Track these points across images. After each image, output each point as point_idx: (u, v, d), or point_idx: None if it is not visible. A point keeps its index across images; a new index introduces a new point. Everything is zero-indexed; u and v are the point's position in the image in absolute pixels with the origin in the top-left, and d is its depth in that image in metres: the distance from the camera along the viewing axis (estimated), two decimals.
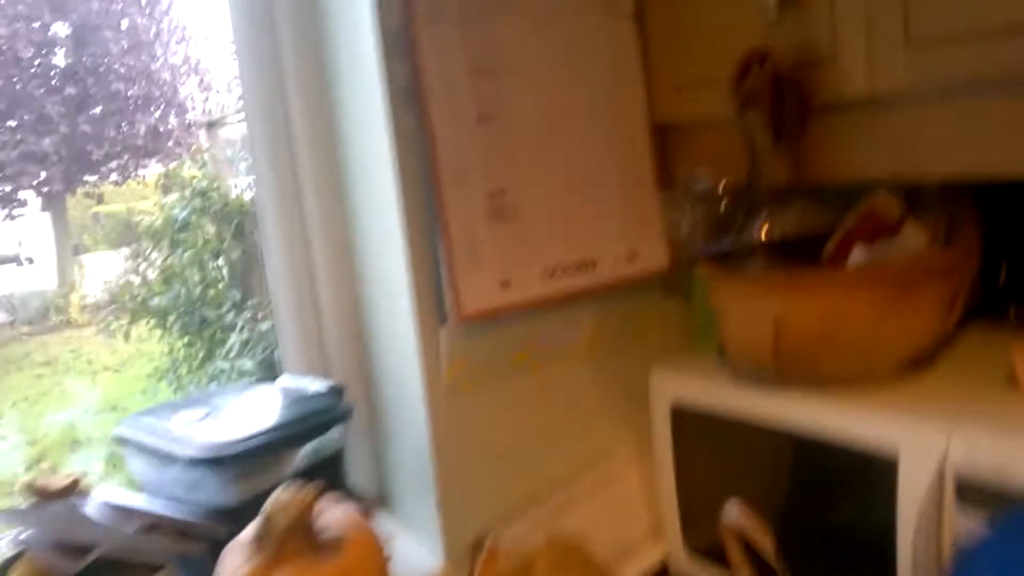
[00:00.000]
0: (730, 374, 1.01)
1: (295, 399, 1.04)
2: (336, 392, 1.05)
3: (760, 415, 0.98)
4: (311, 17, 1.10)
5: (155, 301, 3.69)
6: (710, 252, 0.96)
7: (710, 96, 1.03)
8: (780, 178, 0.95)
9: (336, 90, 1.10)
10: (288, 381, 1.11)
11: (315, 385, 1.07)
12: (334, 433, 0.98)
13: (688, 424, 1.10)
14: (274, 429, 0.94)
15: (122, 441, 0.98)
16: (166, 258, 3.52)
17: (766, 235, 0.91)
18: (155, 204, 3.70)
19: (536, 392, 1.12)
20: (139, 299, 3.60)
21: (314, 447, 0.96)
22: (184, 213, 3.42)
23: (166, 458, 0.92)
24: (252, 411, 1.00)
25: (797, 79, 0.92)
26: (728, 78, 0.98)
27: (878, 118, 0.89)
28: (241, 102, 1.12)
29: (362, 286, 1.14)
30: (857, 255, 0.88)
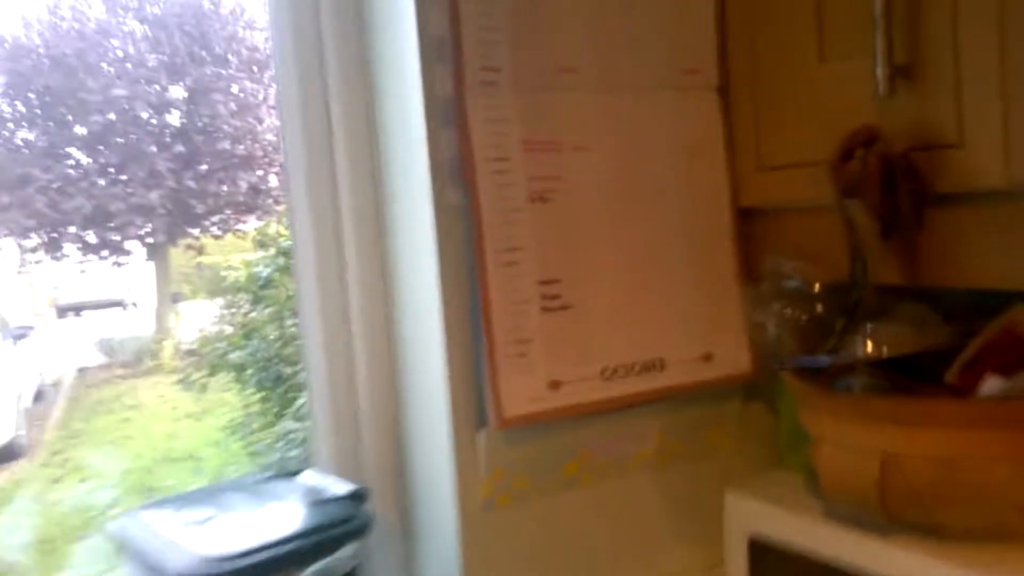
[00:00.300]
0: (823, 508, 0.83)
1: (313, 503, 0.90)
2: (359, 498, 0.91)
3: (858, 564, 0.79)
4: (361, 84, 1.00)
5: (235, 354, 3.68)
6: (802, 365, 0.79)
7: (804, 179, 0.88)
8: (889, 278, 0.78)
9: (384, 161, 0.99)
10: (310, 478, 0.98)
11: (338, 487, 0.93)
12: (349, 550, 0.84)
13: (770, 558, 0.91)
14: (278, 543, 0.80)
15: (115, 540, 0.86)
16: (247, 313, 3.52)
17: (872, 349, 0.74)
18: (241, 261, 3.73)
19: (589, 510, 0.95)
20: (219, 352, 3.60)
21: (324, 567, 0.81)
22: (268, 271, 3.42)
23: (155, 568, 0.79)
24: (261, 515, 0.87)
25: (913, 164, 0.75)
26: (826, 160, 0.82)
27: (1016, 214, 0.72)
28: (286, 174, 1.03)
29: (401, 377, 1.01)
30: (991, 384, 0.69)
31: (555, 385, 0.88)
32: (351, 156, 1.00)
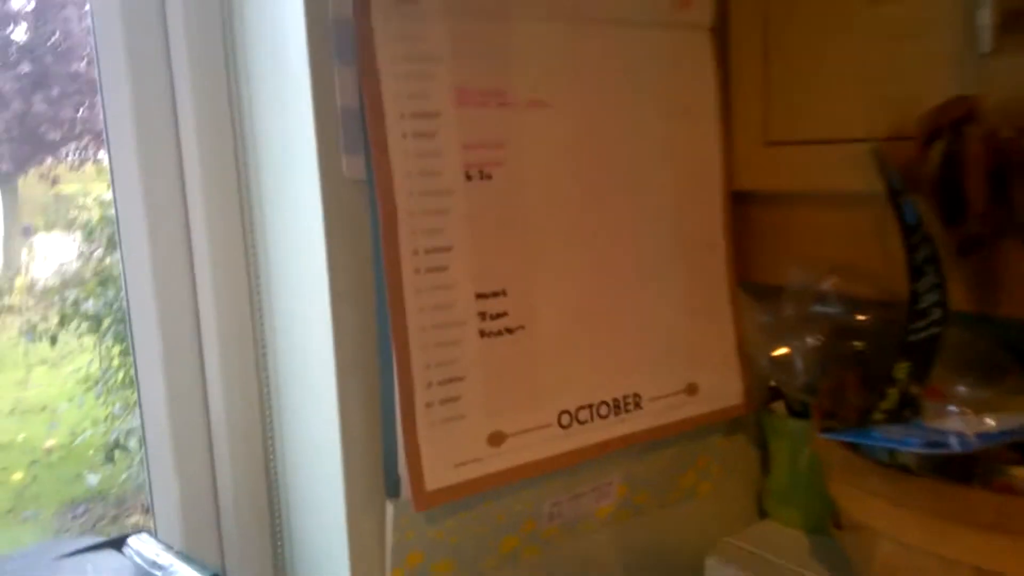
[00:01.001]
0: None
1: None
2: None
3: None
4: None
5: (89, 303, 3.18)
6: (846, 435, 0.54)
7: (832, 160, 0.62)
8: (968, 306, 0.55)
9: (249, 110, 0.66)
10: (143, 548, 0.67)
11: (181, 568, 0.63)
12: None
13: None
14: None
15: None
16: (103, 259, 3.02)
17: (976, 422, 0.50)
18: (94, 199, 3.18)
19: None
20: (71, 300, 3.09)
21: None
22: None
23: None
24: None
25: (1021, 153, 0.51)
26: (871, 136, 0.57)
27: None
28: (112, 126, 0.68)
29: (278, 425, 0.70)
30: None
31: (497, 439, 0.61)
32: (199, 100, 0.66)
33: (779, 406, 0.74)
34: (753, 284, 0.71)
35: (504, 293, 0.60)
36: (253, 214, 0.68)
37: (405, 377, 0.57)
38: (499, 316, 0.60)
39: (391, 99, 0.55)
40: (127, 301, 0.70)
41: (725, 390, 0.72)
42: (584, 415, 0.64)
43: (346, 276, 0.58)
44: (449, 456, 0.59)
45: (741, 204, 0.71)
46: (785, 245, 0.68)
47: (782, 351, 0.61)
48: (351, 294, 0.58)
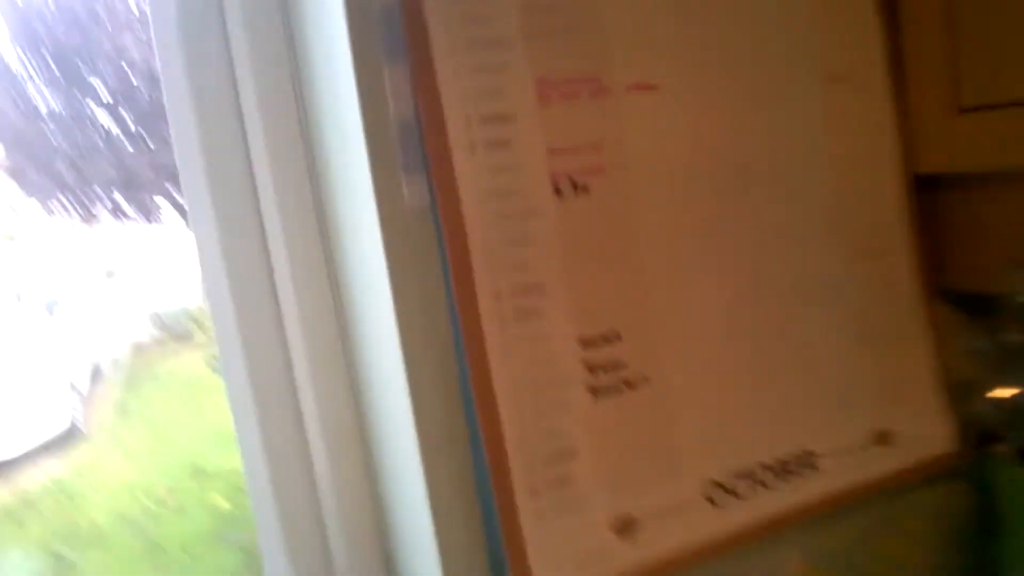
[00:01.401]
0: None
1: None
2: None
3: None
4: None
5: None
6: None
7: None
8: None
9: (316, 132, 0.55)
10: None
11: None
12: None
13: None
14: None
15: None
16: None
17: None
18: None
19: None
20: None
21: None
22: None
23: None
24: None
25: None
26: None
27: None
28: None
29: (382, 485, 0.58)
30: None
31: (625, 526, 0.45)
32: (265, 114, 0.55)
33: (1005, 449, 0.53)
34: (956, 295, 0.51)
35: (618, 337, 0.45)
36: (333, 237, 0.56)
37: (498, 458, 0.43)
38: (614, 367, 0.45)
39: (454, 100, 0.42)
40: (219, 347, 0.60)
41: (927, 435, 0.51)
42: (740, 485, 0.47)
43: (419, 329, 0.45)
44: (565, 556, 0.44)
45: (927, 191, 0.51)
46: (995, 241, 0.48)
47: (1003, 390, 0.42)
48: (427, 350, 0.45)
